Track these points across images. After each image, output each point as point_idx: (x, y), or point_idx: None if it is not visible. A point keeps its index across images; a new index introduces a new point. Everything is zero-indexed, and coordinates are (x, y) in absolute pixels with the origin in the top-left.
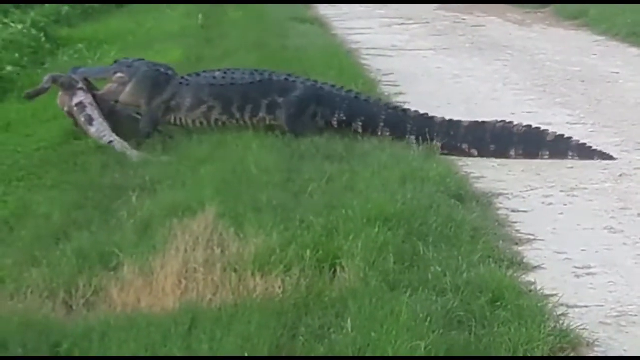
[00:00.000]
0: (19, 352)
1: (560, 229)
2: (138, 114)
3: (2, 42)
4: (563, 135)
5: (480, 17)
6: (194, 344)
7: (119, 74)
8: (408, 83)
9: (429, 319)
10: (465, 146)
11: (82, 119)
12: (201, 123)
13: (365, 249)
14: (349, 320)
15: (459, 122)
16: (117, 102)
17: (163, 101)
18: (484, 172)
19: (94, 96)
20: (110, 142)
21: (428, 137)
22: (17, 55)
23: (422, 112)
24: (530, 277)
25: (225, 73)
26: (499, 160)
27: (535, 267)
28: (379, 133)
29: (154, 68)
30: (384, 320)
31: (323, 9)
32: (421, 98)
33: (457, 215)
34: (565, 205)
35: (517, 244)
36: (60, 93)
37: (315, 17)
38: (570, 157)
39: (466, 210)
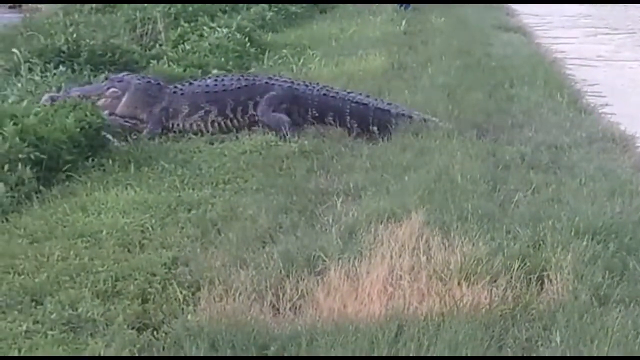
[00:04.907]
0: (228, 353)
1: None
2: (126, 121)
3: (209, 46)
4: None
5: None
6: (400, 352)
7: (112, 89)
8: (614, 94)
9: None
10: None
11: None
12: (198, 125)
13: (574, 262)
14: (557, 334)
15: (410, 113)
16: (114, 114)
17: (162, 108)
18: None
19: None
20: None
21: (387, 127)
22: (222, 59)
23: (381, 105)
24: None
25: (215, 80)
26: None
27: None
28: (348, 125)
29: (145, 80)
30: (594, 335)
31: (526, 18)
32: (628, 110)
33: None
34: None
35: None
36: None
37: (518, 26)
38: None
39: None
